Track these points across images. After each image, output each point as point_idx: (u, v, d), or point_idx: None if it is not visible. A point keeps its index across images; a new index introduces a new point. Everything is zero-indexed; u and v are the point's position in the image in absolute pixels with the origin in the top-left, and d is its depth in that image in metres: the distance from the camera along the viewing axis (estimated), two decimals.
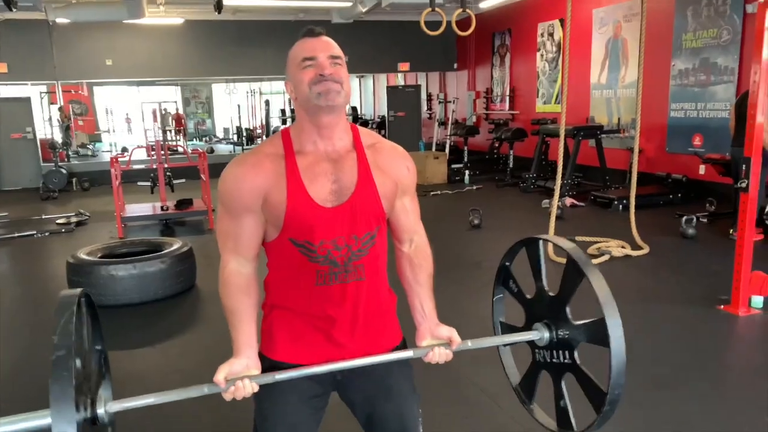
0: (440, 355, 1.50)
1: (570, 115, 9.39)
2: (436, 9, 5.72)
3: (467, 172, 9.99)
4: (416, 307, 1.59)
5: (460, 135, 11.32)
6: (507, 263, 1.77)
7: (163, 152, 7.35)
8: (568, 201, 7.57)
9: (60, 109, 12.87)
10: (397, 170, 1.50)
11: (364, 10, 9.58)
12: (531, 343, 1.61)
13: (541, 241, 1.63)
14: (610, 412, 1.39)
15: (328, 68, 1.37)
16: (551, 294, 1.56)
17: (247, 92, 18.91)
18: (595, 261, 4.99)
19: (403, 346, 1.66)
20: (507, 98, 11.58)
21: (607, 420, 1.40)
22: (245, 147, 12.76)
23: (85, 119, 16.00)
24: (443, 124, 12.53)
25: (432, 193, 8.86)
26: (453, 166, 10.48)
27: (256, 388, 1.36)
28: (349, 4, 9.91)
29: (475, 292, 4.46)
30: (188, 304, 4.44)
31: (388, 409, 1.55)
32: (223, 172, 1.43)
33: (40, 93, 14.05)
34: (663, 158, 7.97)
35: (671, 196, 7.31)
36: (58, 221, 7.36)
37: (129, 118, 18.77)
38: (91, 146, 14.83)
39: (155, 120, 7.77)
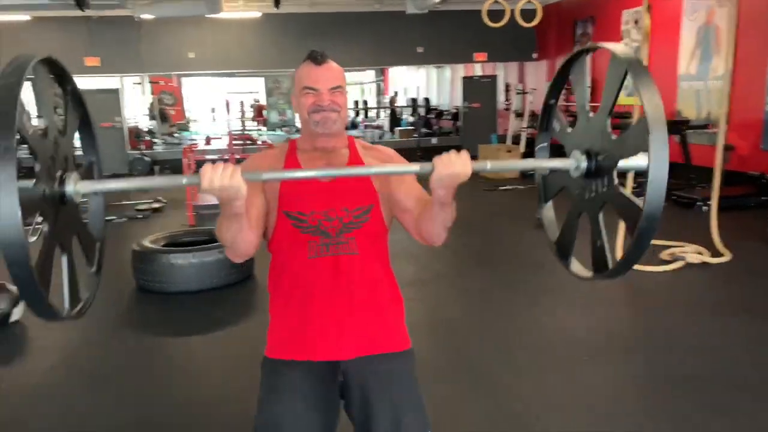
0: (449, 157, 1.29)
1: None
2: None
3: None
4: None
5: (536, 127, 10.92)
6: (551, 101, 1.57)
7: (239, 142, 7.52)
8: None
9: (154, 99, 13.61)
10: (387, 159, 1.59)
11: (437, 0, 9.40)
12: (569, 184, 1.42)
13: (586, 53, 1.39)
14: (648, 230, 1.16)
15: (326, 100, 1.49)
16: (591, 115, 1.35)
17: None
18: (666, 268, 4.66)
19: (410, 355, 1.61)
20: (588, 90, 11.04)
21: (646, 242, 1.19)
22: None
23: (174, 109, 16.78)
24: (520, 115, 12.15)
25: (501, 188, 8.61)
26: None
27: (238, 178, 1.21)
28: None
29: (533, 297, 4.27)
30: (243, 295, 4.52)
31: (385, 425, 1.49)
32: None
33: (133, 84, 14.86)
34: (757, 156, 7.34)
35: (764, 198, 6.72)
36: (137, 207, 7.72)
37: (214, 108, 19.47)
38: (177, 135, 15.51)
39: (228, 111, 7.99)
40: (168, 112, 14.60)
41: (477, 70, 15.16)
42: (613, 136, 1.27)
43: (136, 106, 14.93)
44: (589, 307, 4.06)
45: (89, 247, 1.39)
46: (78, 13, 10.01)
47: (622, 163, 1.22)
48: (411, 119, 15.03)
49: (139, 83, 14.31)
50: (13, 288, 3.97)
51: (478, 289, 4.54)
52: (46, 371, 3.36)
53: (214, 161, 1.26)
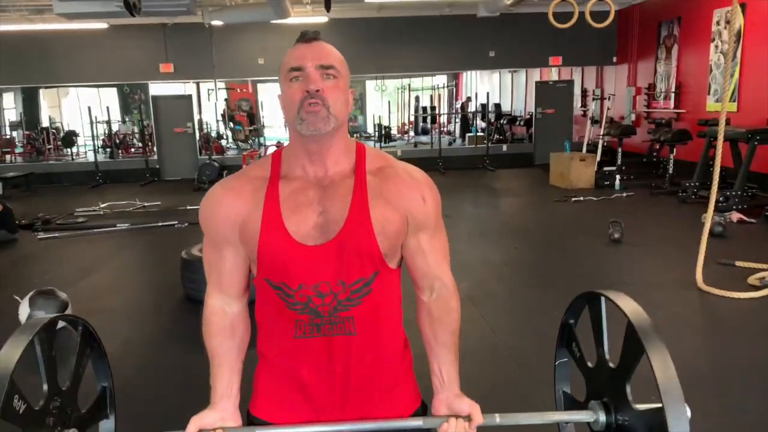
0: (458, 429, 1.18)
1: (747, 115, 8.18)
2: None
3: (618, 176, 9.05)
4: (434, 371, 1.28)
5: (614, 135, 10.29)
6: (571, 321, 1.44)
7: None
8: (735, 216, 6.49)
9: (226, 104, 13.97)
10: (407, 201, 1.20)
11: (509, 3, 9.04)
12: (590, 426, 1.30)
13: (603, 299, 1.29)
14: None
15: (316, 82, 1.12)
16: (612, 365, 1.26)
17: (397, 88, 19.05)
18: (754, 294, 4.14)
19: (423, 413, 1.35)
20: (672, 95, 10.33)
21: None
22: (382, 144, 12.75)
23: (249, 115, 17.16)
24: (597, 122, 11.53)
25: (573, 199, 8.12)
26: (605, 169, 9.56)
27: None
28: None
29: None
30: None
31: None
32: (204, 198, 1.25)
33: (208, 90, 15.27)
34: None
35: None
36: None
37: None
38: (251, 141, 15.82)
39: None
40: (242, 118, 14.92)
41: (553, 74, 14.59)
42: (635, 405, 1.19)
43: (209, 112, 15.33)
44: (667, 336, 3.62)
45: None
46: (154, 20, 10.36)
47: None
48: (483, 125, 14.63)
49: (213, 90, 14.66)
50: (63, 295, 4.00)
51: (538, 311, 4.18)
52: (83, 379, 3.31)
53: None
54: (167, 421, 2.93)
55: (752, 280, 4.40)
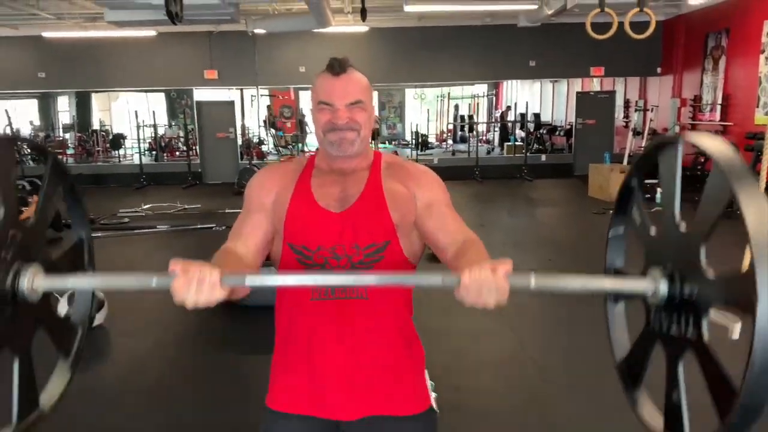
0: (481, 282, 0.98)
1: None
2: (606, 9, 5.02)
3: (659, 189, 8.82)
4: (460, 261, 1.19)
5: None
6: (634, 181, 1.19)
7: None
8: None
9: (268, 110, 14.24)
10: (413, 179, 1.38)
11: (550, 13, 8.97)
12: (645, 302, 1.05)
13: (679, 144, 1.02)
14: (742, 426, 0.83)
15: (343, 118, 1.30)
16: (683, 228, 0.99)
17: (437, 96, 19.07)
18: None
19: (429, 417, 1.39)
20: (718, 107, 10.06)
21: None
22: (419, 152, 12.77)
23: (290, 121, 17.43)
24: (639, 133, 11.30)
25: (612, 211, 7.96)
26: (647, 181, 9.32)
27: (218, 291, 1.01)
28: (535, 6, 9.34)
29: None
30: None
31: None
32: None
33: (251, 96, 15.58)
34: None
35: None
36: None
37: None
38: (291, 146, 16.06)
39: None
40: (284, 124, 15.17)
41: (595, 84, 14.38)
42: (709, 272, 0.91)
43: (252, 117, 15.64)
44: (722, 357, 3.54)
45: (64, 339, 1.22)
46: (199, 28, 10.65)
47: (715, 316, 0.89)
48: (522, 134, 14.52)
49: (255, 96, 14.96)
50: (100, 294, 4.14)
51: (568, 326, 4.14)
52: (115, 379, 3.44)
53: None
54: (199, 416, 3.02)
55: None
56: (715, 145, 0.90)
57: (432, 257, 1.36)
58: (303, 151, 13.35)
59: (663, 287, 0.98)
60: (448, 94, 18.34)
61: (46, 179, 1.13)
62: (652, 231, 1.08)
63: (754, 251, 0.77)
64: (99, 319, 4.05)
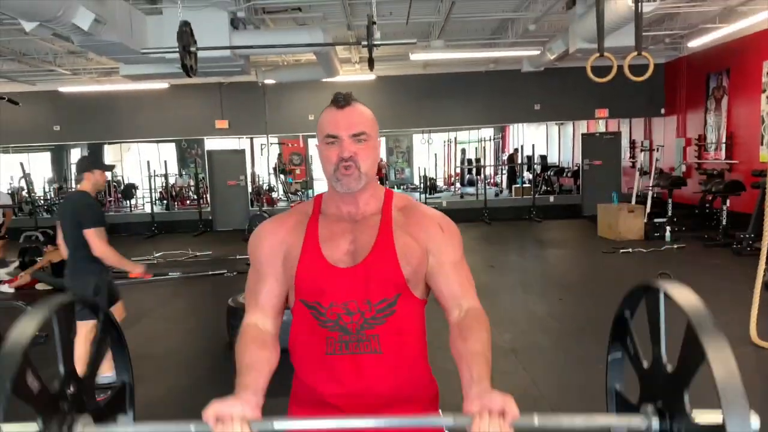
0: (491, 426, 1.07)
1: None
2: (606, 54, 5.16)
3: (668, 228, 8.85)
4: (464, 374, 1.21)
5: (663, 186, 10.12)
6: (626, 313, 1.30)
7: None
8: None
9: (278, 158, 14.48)
10: (426, 232, 1.37)
11: (552, 58, 9.18)
12: None
13: (661, 293, 1.13)
14: None
15: (349, 149, 1.31)
16: (669, 369, 1.11)
17: (444, 141, 19.31)
18: None
19: None
20: (723, 146, 10.14)
21: None
22: (428, 195, 12.87)
23: (300, 168, 17.67)
24: (646, 173, 11.37)
25: (622, 250, 7.97)
26: (655, 220, 9.37)
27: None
28: (538, 52, 9.58)
29: None
30: None
31: None
32: (253, 232, 1.45)
33: (261, 145, 15.84)
34: None
35: None
36: (248, 262, 8.01)
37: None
38: (301, 192, 16.23)
39: None
40: (293, 170, 15.38)
41: (600, 125, 14.55)
42: (693, 417, 1.03)
43: (262, 165, 15.87)
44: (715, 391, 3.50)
45: None
46: (211, 79, 10.94)
47: None
48: (530, 176, 14.63)
49: (264, 144, 15.23)
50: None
51: (581, 364, 4.10)
52: None
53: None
54: None
55: None
56: (687, 300, 1.04)
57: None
58: (311, 197, 13.47)
59: (655, 424, 1.08)
60: (455, 138, 18.58)
61: (99, 331, 1.26)
62: (645, 364, 1.19)
63: (724, 408, 0.88)
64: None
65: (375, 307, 1.30)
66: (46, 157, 17.67)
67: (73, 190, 3.68)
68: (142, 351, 4.60)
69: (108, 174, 3.70)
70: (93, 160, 3.73)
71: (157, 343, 4.92)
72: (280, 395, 1.46)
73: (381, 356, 1.30)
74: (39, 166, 17.05)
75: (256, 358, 1.29)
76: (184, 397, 3.86)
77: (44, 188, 15.68)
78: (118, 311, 3.83)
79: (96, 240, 3.47)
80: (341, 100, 1.32)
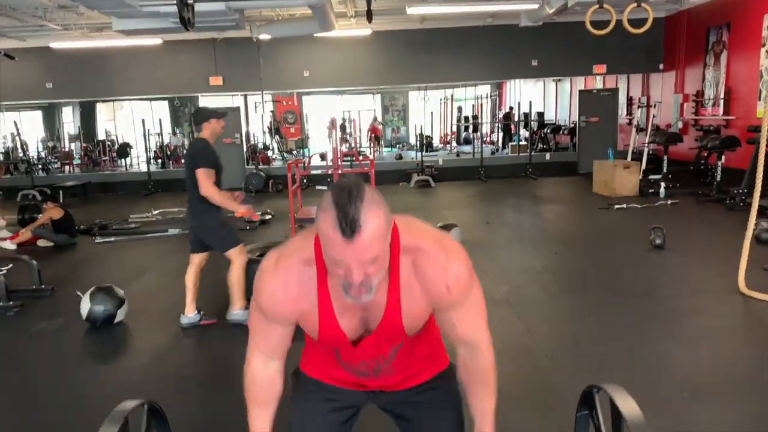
0: None
1: None
2: (605, 6, 5.12)
3: (663, 184, 8.91)
4: (471, 404, 1.51)
5: (659, 143, 10.13)
6: (583, 413, 1.66)
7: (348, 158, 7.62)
8: None
9: (272, 116, 14.36)
10: (433, 290, 1.33)
11: (551, 11, 9.06)
12: None
13: (596, 394, 1.51)
14: None
15: (359, 277, 1.18)
16: None
17: (440, 99, 19.15)
18: None
19: (450, 371, 1.59)
20: (721, 102, 10.12)
21: None
22: (423, 153, 12.81)
23: (294, 127, 17.55)
24: (642, 130, 11.37)
25: (617, 206, 8.04)
26: (650, 176, 9.42)
27: None
28: (536, 6, 9.44)
29: (635, 326, 3.87)
30: None
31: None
32: (258, 279, 1.36)
33: (255, 103, 15.70)
34: None
35: None
36: (246, 219, 8.06)
37: (330, 126, 20.09)
38: (296, 151, 16.17)
39: (333, 128, 8.08)
40: (287, 130, 15.27)
41: (598, 82, 14.46)
42: None
43: (256, 123, 15.76)
44: (701, 339, 3.62)
45: None
46: (204, 35, 10.77)
47: None
48: (526, 134, 14.60)
49: (259, 102, 15.09)
50: (120, 291, 4.24)
51: (574, 315, 4.20)
52: (138, 369, 3.53)
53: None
54: (213, 403, 3.12)
55: None
56: (627, 407, 1.38)
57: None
58: (306, 155, 13.41)
59: None
60: (452, 95, 18.43)
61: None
62: None
63: None
64: (120, 316, 4.15)
65: (386, 356, 1.46)
66: (38, 116, 17.50)
67: (194, 138, 4.03)
68: (147, 303, 4.69)
69: (222, 121, 4.04)
70: (210, 111, 4.05)
71: (162, 296, 5.00)
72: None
73: (394, 371, 1.51)
74: (31, 126, 16.90)
75: (266, 398, 1.51)
76: (192, 343, 3.97)
77: (37, 148, 15.58)
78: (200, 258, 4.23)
79: (203, 179, 3.79)
80: (348, 231, 1.12)
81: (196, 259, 4.10)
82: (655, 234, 5.76)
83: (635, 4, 4.95)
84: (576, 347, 3.65)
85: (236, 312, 4.07)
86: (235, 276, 4.01)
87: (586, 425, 1.56)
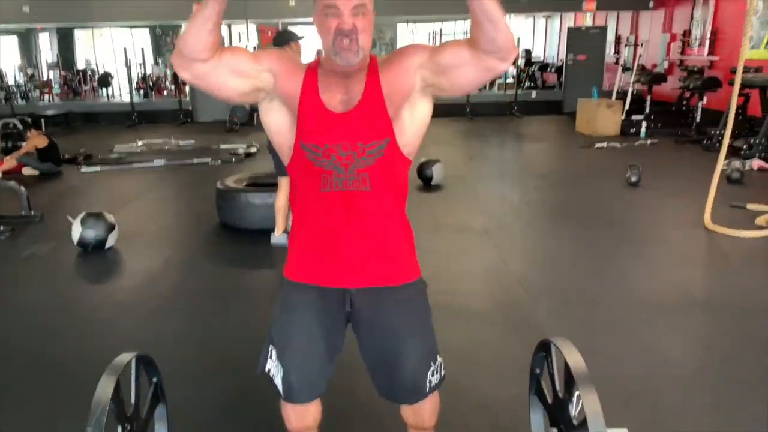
0: None
1: None
2: None
3: (644, 124, 9.04)
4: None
5: (644, 82, 10.20)
6: (537, 371, 1.78)
7: None
8: (756, 164, 6.54)
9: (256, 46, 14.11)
10: (403, 59, 1.49)
11: None
12: None
13: (553, 347, 1.62)
14: None
15: (348, 22, 1.39)
16: (560, 396, 1.59)
17: (429, 34, 18.85)
18: (759, 233, 4.29)
19: (420, 283, 1.65)
20: (707, 42, 10.13)
21: None
22: None
23: None
24: (629, 69, 11.39)
25: (597, 145, 8.19)
26: (633, 117, 9.54)
27: None
28: None
29: (605, 253, 4.10)
30: None
31: (392, 357, 1.56)
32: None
33: (239, 33, 15.36)
34: None
35: None
36: (232, 152, 8.11)
37: (316, 56, 19.79)
38: None
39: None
40: None
41: (588, 20, 14.31)
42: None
43: None
44: (666, 267, 3.85)
45: None
46: None
47: None
48: (513, 71, 14.51)
49: (244, 32, 14.76)
50: (110, 217, 4.35)
51: (547, 244, 4.42)
52: (131, 289, 3.69)
53: None
54: (208, 321, 3.31)
55: (759, 220, 4.55)
56: (573, 357, 1.50)
57: (422, 187, 1.58)
58: None
59: None
60: (441, 30, 18.13)
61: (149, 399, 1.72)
62: (549, 398, 1.67)
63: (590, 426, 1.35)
64: (111, 241, 4.27)
65: (366, 148, 1.47)
66: (13, 41, 17.00)
67: None
68: (136, 229, 4.81)
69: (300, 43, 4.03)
70: (291, 34, 4.06)
71: (151, 223, 5.13)
72: None
73: (369, 192, 1.49)
74: (7, 52, 16.45)
75: None
76: (181, 266, 4.13)
77: (14, 75, 15.22)
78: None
79: None
80: None
81: (283, 183, 4.08)
82: (631, 171, 5.93)
83: None
84: (545, 271, 3.87)
85: (278, 236, 4.19)
86: (281, 202, 4.11)
87: (542, 366, 1.73)
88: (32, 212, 5.09)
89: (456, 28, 18.84)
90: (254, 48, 14.44)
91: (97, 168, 7.36)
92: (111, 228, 4.29)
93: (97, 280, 3.98)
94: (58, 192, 6.43)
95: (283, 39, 4.01)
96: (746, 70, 8.16)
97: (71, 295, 3.68)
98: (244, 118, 10.87)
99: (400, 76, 1.47)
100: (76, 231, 4.17)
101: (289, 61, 1.52)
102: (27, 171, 7.04)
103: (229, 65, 1.44)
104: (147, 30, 16.82)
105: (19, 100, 12.98)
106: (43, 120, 10.55)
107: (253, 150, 8.24)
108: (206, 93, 1.50)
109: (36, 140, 7.00)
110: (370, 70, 1.49)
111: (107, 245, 4.27)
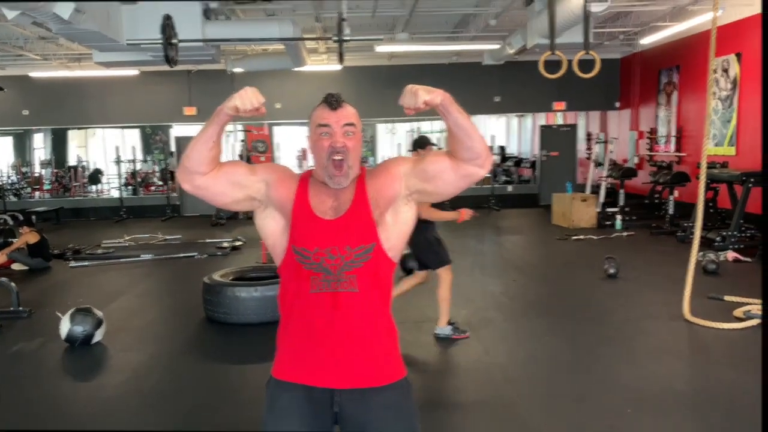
0: (411, 92, 1.61)
1: (745, 158, 8.53)
2: (556, 52, 5.60)
3: (619, 216, 9.40)
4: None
5: (616, 177, 10.70)
6: None
7: None
8: (731, 255, 6.79)
9: (243, 146, 14.59)
10: (390, 168, 1.67)
11: (512, 52, 9.60)
12: None
13: None
14: None
15: (340, 141, 1.58)
16: None
17: (407, 132, 19.65)
18: (737, 325, 4.45)
19: (405, 384, 1.70)
20: (673, 139, 10.75)
21: None
22: None
23: (265, 156, 17.81)
24: (601, 165, 11.95)
25: (574, 237, 8.47)
26: (608, 209, 9.92)
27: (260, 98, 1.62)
28: (498, 46, 9.99)
29: (588, 347, 4.21)
30: None
31: None
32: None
33: (227, 132, 15.92)
34: None
35: None
36: (218, 245, 8.26)
37: (301, 155, 20.39)
38: None
39: (304, 158, 8.38)
40: (257, 159, 15.51)
41: (558, 118, 15.11)
42: None
43: (227, 152, 15.92)
44: (649, 360, 3.94)
45: None
46: (179, 67, 11.01)
47: None
48: None
49: (232, 131, 15.33)
50: (98, 312, 4.42)
51: (530, 336, 4.53)
52: (117, 386, 3.71)
53: None
54: (191, 417, 3.33)
55: (737, 312, 4.69)
56: None
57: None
58: None
59: None
60: (418, 128, 18.93)
61: None
62: None
63: None
64: (98, 336, 4.32)
65: (354, 252, 1.58)
66: (8, 141, 17.39)
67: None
68: (123, 324, 4.86)
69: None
70: (427, 139, 4.48)
71: (137, 318, 5.17)
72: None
73: (357, 294, 1.58)
74: (1, 151, 16.77)
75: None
76: (166, 362, 4.16)
77: (8, 173, 15.48)
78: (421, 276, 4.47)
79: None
80: (333, 103, 1.58)
81: (443, 274, 4.31)
82: (609, 264, 6.13)
83: (584, 52, 5.42)
84: (528, 364, 3.96)
85: (442, 328, 4.30)
86: (446, 293, 4.27)
87: None
88: (20, 308, 5.13)
89: (433, 127, 19.71)
90: (242, 142, 15.00)
91: (86, 263, 7.44)
92: (99, 323, 4.35)
93: (83, 377, 3.99)
94: (47, 287, 6.48)
95: (422, 143, 4.39)
96: (712, 165, 8.69)
97: (58, 392, 3.69)
98: (230, 213, 11.10)
99: (387, 182, 1.63)
100: (65, 327, 4.23)
101: (284, 172, 1.69)
102: (17, 266, 7.10)
103: (227, 177, 1.63)
104: (137, 129, 17.35)
105: (12, 197, 13.16)
106: (34, 216, 10.70)
107: (239, 244, 8.39)
108: (204, 200, 1.67)
109: (28, 236, 7.12)
110: (359, 179, 1.64)
111: (94, 340, 4.32)
